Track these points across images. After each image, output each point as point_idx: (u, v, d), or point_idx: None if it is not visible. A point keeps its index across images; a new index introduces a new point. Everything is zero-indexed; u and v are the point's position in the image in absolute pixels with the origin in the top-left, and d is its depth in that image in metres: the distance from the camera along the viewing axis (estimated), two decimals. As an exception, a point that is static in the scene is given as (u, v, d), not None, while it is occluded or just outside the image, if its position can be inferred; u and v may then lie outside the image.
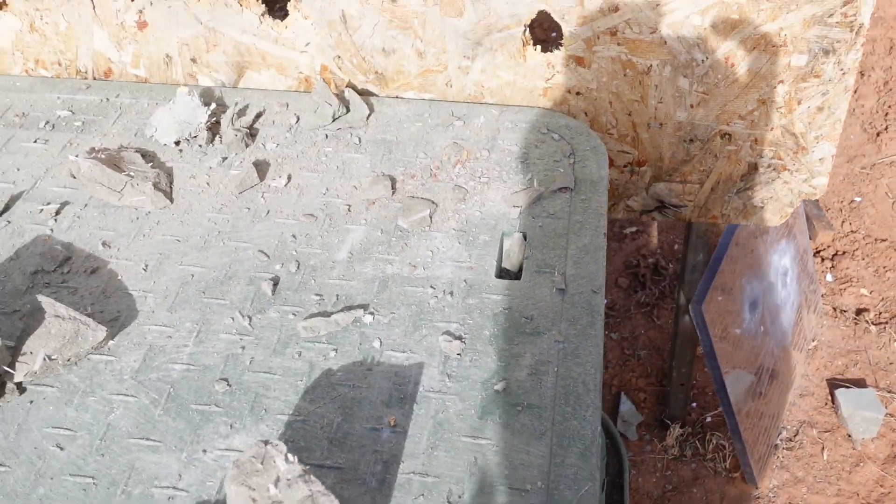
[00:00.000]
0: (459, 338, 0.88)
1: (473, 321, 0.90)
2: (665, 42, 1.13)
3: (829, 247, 2.28)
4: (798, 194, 1.27)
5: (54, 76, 1.33)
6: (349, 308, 0.92)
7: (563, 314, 0.90)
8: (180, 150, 1.15)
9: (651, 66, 1.16)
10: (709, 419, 1.91)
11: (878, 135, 2.58)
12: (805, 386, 1.96)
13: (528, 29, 1.17)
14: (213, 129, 1.16)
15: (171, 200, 1.07)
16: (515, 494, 0.75)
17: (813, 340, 2.04)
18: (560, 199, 1.04)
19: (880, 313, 2.11)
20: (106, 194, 1.06)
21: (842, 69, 1.12)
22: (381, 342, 0.88)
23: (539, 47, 1.19)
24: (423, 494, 0.75)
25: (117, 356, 0.88)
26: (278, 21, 1.23)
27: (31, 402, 0.85)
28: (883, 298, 2.15)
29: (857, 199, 2.40)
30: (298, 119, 1.18)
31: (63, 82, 1.29)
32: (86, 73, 1.32)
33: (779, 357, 1.82)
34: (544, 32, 1.70)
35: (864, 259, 2.24)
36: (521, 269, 0.98)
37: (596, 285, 0.93)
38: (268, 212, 1.05)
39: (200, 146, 1.15)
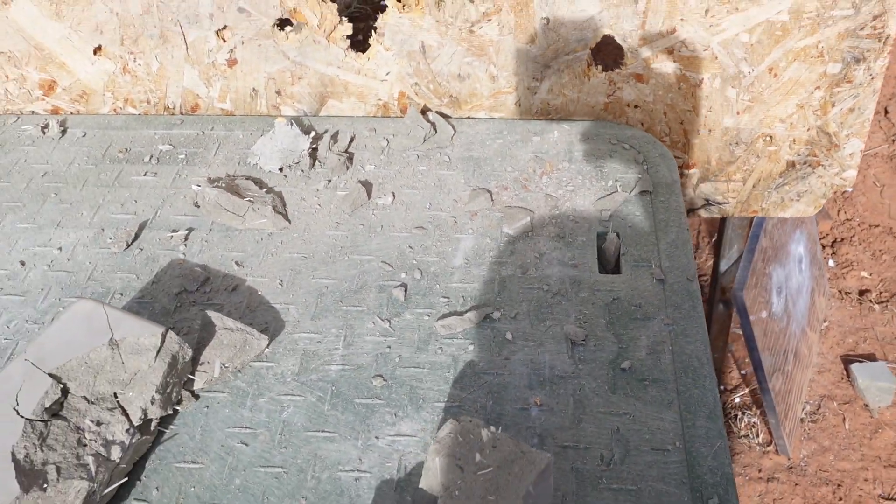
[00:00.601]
0: (581, 326, 1.00)
1: (589, 312, 1.02)
2: (716, 57, 1.28)
3: (828, 235, 2.46)
4: (830, 186, 1.43)
5: (142, 113, 1.43)
6: (477, 307, 1.03)
7: (667, 301, 1.03)
8: (285, 176, 1.25)
9: (703, 79, 1.30)
10: (737, 400, 2.06)
11: (860, 129, 2.77)
12: (822, 363, 2.12)
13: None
14: (313, 154, 1.27)
15: (289, 221, 1.17)
16: (658, 454, 0.87)
17: (824, 321, 2.21)
18: (642, 201, 1.17)
19: (881, 293, 2.29)
20: (229, 219, 1.16)
21: (871, 74, 1.27)
22: (512, 335, 1.00)
23: (600, 66, 1.33)
24: (579, 460, 0.87)
25: (276, 362, 0.99)
26: (360, 53, 1.34)
27: (207, 406, 0.94)
28: (882, 279, 2.33)
29: (849, 189, 2.59)
30: (388, 142, 1.30)
31: (156, 118, 1.38)
32: (174, 108, 1.42)
33: (799, 338, 1.97)
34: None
35: (861, 244, 2.42)
36: (618, 265, 1.10)
37: (690, 274, 1.06)
38: (381, 227, 1.16)
39: (303, 171, 1.25)
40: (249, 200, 1.17)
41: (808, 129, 1.35)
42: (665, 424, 0.90)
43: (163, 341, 0.87)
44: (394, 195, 1.21)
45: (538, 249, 1.11)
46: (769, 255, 1.75)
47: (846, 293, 2.30)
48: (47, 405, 0.81)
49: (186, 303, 1.07)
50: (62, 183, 1.26)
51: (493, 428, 0.76)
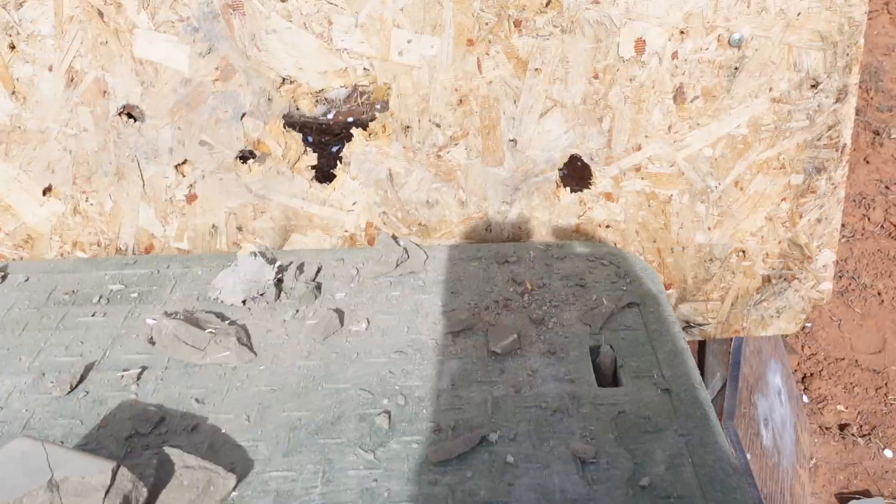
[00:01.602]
0: (588, 443, 0.90)
1: (595, 427, 0.93)
2: (683, 173, 1.28)
3: (796, 370, 2.43)
4: (808, 301, 1.40)
5: (92, 256, 1.34)
6: (471, 429, 0.93)
7: (677, 410, 0.95)
8: (249, 309, 1.16)
9: (672, 195, 1.30)
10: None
11: (807, 267, 2.84)
12: None
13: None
14: (278, 285, 1.19)
15: (255, 354, 1.07)
16: (700, 579, 0.75)
17: (811, 459, 2.12)
18: (630, 314, 1.12)
19: (861, 426, 2.23)
20: (188, 354, 1.06)
21: (833, 184, 1.29)
22: (513, 457, 0.89)
23: (568, 189, 1.32)
24: None
25: (245, 505, 0.85)
26: (326, 184, 1.31)
27: (163, 564, 0.79)
28: (859, 412, 2.28)
29: (808, 324, 2.60)
30: (358, 270, 1.23)
31: (107, 260, 1.30)
32: (125, 250, 1.34)
33: (792, 476, 1.87)
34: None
35: (830, 378, 2.39)
36: (615, 377, 1.03)
37: (696, 381, 0.99)
38: (357, 354, 1.07)
39: (269, 303, 1.17)
40: (211, 332, 1.07)
41: (780, 242, 1.35)
42: (700, 544, 0.79)
43: (112, 479, 0.74)
44: (368, 321, 1.13)
45: (529, 367, 1.03)
46: (751, 383, 1.69)
47: (826, 428, 2.23)
48: (-34, 564, 0.66)
49: (138, 447, 0.93)
50: (-2, 329, 1.14)
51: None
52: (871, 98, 3.79)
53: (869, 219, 3.07)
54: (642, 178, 1.29)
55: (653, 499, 0.84)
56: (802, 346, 2.51)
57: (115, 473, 0.74)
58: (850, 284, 2.76)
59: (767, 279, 1.39)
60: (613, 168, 1.28)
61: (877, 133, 3.54)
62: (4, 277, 1.26)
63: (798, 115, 1.24)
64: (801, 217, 1.32)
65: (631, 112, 1.24)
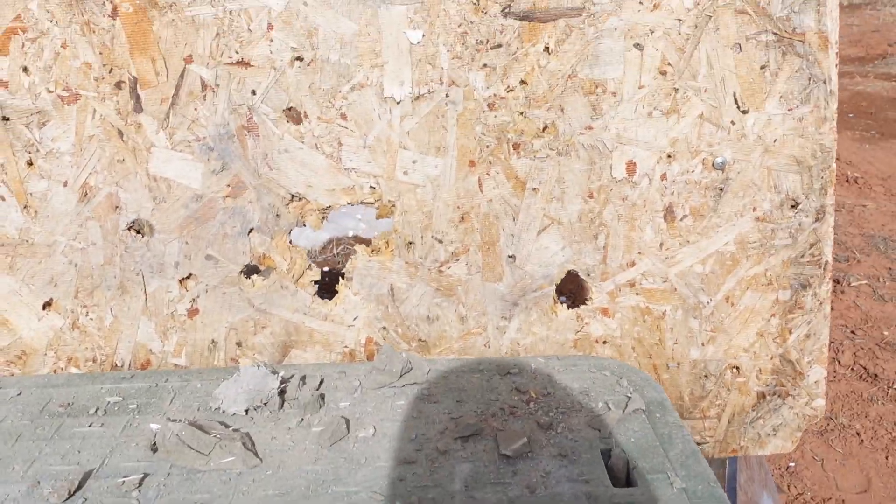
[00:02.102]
0: (611, 540, 0.88)
1: (615, 525, 0.91)
2: (675, 289, 1.34)
3: (786, 511, 2.39)
4: (803, 418, 1.42)
5: (86, 373, 1.32)
6: (490, 529, 0.90)
7: (696, 508, 0.93)
8: (251, 419, 1.14)
9: (665, 311, 1.35)
10: None
11: (785, 409, 2.87)
12: None
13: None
14: (282, 395, 1.18)
15: (261, 459, 1.04)
16: None
17: None
18: (637, 419, 1.12)
19: (857, 567, 2.17)
20: (192, 459, 1.02)
21: (818, 300, 1.36)
22: (535, 556, 0.86)
23: (565, 304, 1.36)
24: None
25: None
26: (327, 300, 1.33)
27: None
28: (853, 553, 2.22)
29: (792, 464, 2.59)
30: (360, 382, 1.23)
31: (102, 375, 1.27)
32: (121, 366, 1.32)
33: None
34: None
35: (821, 518, 2.35)
36: (628, 479, 1.01)
37: (711, 479, 0.98)
38: (365, 459, 1.04)
39: (272, 412, 1.15)
40: (217, 437, 1.04)
41: (772, 358, 1.38)
42: None
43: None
44: (375, 428, 1.11)
45: (542, 469, 1.02)
46: (749, 512, 1.66)
47: (822, 570, 2.16)
48: None
49: (138, 554, 0.88)
50: (-13, 440, 1.10)
51: None
52: (827, 250, 3.99)
53: (840, 362, 3.14)
54: (637, 294, 1.34)
55: (684, 593, 0.81)
56: (788, 486, 2.48)
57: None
58: (828, 424, 2.78)
59: (762, 395, 1.41)
60: (609, 283, 1.33)
61: (837, 282, 3.70)
62: (-5, 391, 1.22)
63: (781, 234, 1.32)
64: (790, 333, 1.37)
65: (624, 229, 1.30)
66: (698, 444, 1.43)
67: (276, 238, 1.29)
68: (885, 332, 3.31)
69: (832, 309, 3.50)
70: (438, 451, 1.06)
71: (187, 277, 1.30)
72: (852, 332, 3.33)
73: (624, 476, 1.03)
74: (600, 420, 1.11)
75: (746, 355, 1.38)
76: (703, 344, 1.37)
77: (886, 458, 2.62)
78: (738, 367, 1.39)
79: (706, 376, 1.39)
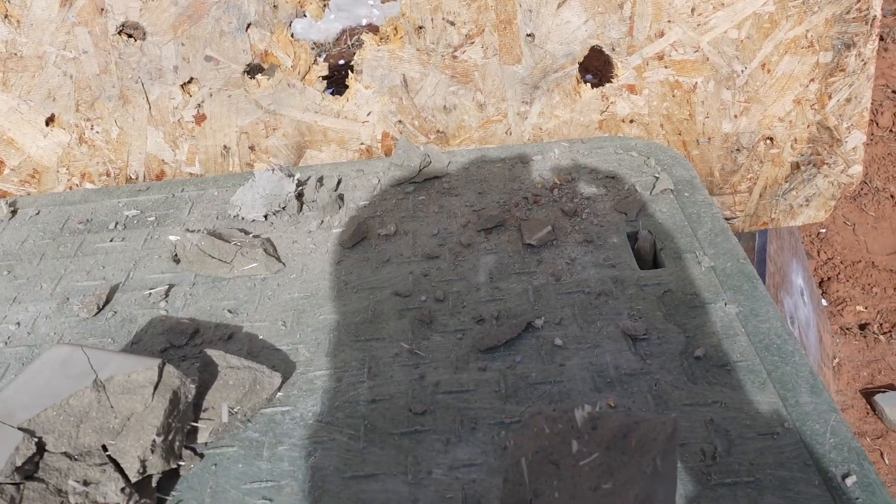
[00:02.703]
0: (637, 321, 0.88)
1: (642, 307, 0.90)
2: (707, 58, 1.24)
3: (814, 275, 2.42)
4: (838, 186, 1.37)
5: (101, 187, 1.30)
6: (516, 316, 0.90)
7: (724, 285, 0.92)
8: (271, 224, 1.13)
9: (696, 83, 1.26)
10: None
11: (817, 176, 2.81)
12: (843, 401, 2.00)
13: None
14: (299, 198, 1.16)
15: (284, 264, 1.04)
16: (768, 439, 0.73)
17: (835, 358, 2.11)
18: (665, 199, 1.09)
19: (881, 324, 2.22)
20: (215, 268, 1.03)
21: (863, 60, 1.25)
22: (561, 340, 0.87)
23: (590, 84, 1.28)
24: (679, 459, 0.72)
25: (292, 405, 0.83)
26: (338, 96, 1.26)
27: (215, 465, 0.77)
28: (879, 311, 2.27)
29: (823, 230, 2.58)
30: (380, 179, 1.20)
31: (118, 189, 1.26)
32: (136, 179, 1.30)
33: (818, 373, 1.86)
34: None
35: (848, 280, 2.38)
36: (656, 261, 1.00)
37: (741, 256, 0.96)
38: (388, 258, 1.04)
39: (291, 216, 1.13)
40: (237, 245, 1.04)
41: (808, 126, 1.31)
42: (763, 407, 0.77)
43: (160, 376, 0.71)
44: (396, 226, 1.09)
45: (567, 256, 1.00)
46: (777, 281, 1.67)
47: (847, 329, 2.23)
48: (18, 464, 0.64)
49: (175, 358, 0.91)
50: (15, 260, 1.11)
51: (588, 406, 0.62)
52: (873, 4, 3.70)
53: (878, 124, 3.02)
54: (666, 67, 1.25)
55: (709, 367, 0.81)
56: (818, 251, 2.49)
57: (161, 370, 0.71)
58: (862, 189, 2.73)
59: (796, 166, 1.35)
60: (636, 58, 1.24)
61: (881, 38, 3.47)
62: (14, 212, 1.22)
63: (825, -12, 1.19)
64: (829, 98, 1.28)
65: (651, -5, 1.19)
66: (728, 219, 1.40)
67: (276, 32, 1.20)
68: (929, 90, 3.15)
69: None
70: (462, 244, 1.04)
71: (189, 82, 1.23)
72: (893, 91, 3.17)
73: (651, 258, 1.01)
74: (627, 203, 1.08)
75: (782, 125, 1.30)
76: (735, 116, 1.29)
77: (919, 218, 2.60)
78: (772, 138, 1.32)
79: (738, 150, 1.33)
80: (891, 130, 2.98)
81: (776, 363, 0.81)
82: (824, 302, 2.32)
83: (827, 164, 1.35)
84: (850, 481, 0.68)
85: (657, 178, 1.12)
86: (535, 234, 1.03)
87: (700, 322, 0.87)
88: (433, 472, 0.74)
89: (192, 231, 1.07)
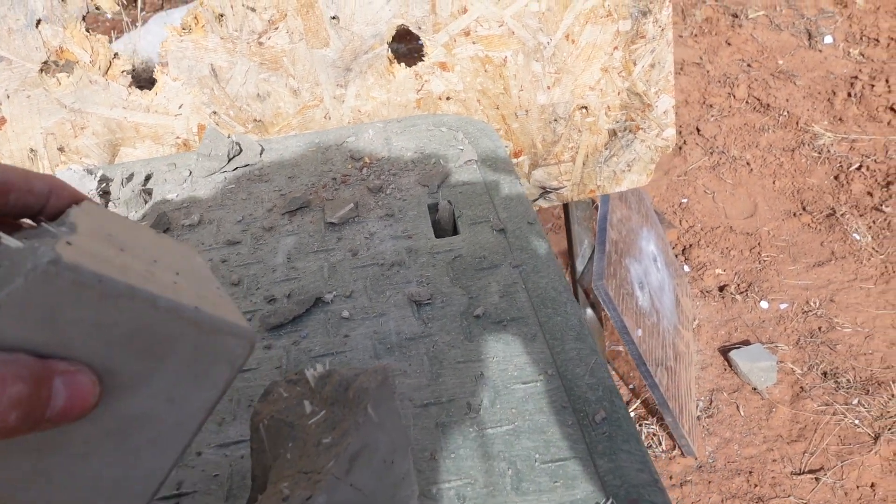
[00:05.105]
0: (424, 287, 0.89)
1: (431, 273, 0.92)
2: (513, 32, 1.27)
3: (677, 244, 2.51)
4: (655, 149, 1.43)
5: None
6: (306, 293, 0.90)
7: (511, 246, 0.94)
8: (74, 223, 1.09)
9: (506, 57, 1.29)
10: (632, 414, 1.98)
11: (679, 149, 2.92)
12: (702, 360, 2.09)
13: (389, 47, 1.27)
14: (104, 196, 1.13)
15: (81, 262, 1.01)
16: (531, 386, 0.76)
17: (694, 320, 2.20)
18: (468, 170, 1.11)
19: (738, 285, 2.33)
20: None
21: (660, 26, 1.31)
22: (349, 312, 0.87)
23: (403, 64, 1.29)
24: (444, 414, 0.74)
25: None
26: (146, 90, 1.24)
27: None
28: (736, 273, 2.38)
29: (684, 200, 2.68)
30: (191, 172, 1.18)
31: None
32: (-61, 189, 1.24)
33: (674, 335, 1.94)
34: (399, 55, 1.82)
35: (708, 246, 2.48)
36: (454, 228, 1.02)
37: (530, 218, 0.99)
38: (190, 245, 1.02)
39: (95, 214, 1.10)
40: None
41: (619, 94, 1.36)
42: (532, 357, 0.79)
43: None
44: (201, 215, 1.08)
45: (368, 231, 1.01)
46: (621, 248, 1.73)
47: (707, 292, 2.32)
48: None
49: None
50: None
51: (319, 366, 0.62)
52: (728, -17, 3.88)
53: (734, 96, 3.17)
54: (474, 43, 1.27)
55: (487, 325, 0.83)
56: (680, 221, 2.59)
57: None
58: (720, 159, 2.85)
59: (613, 133, 1.40)
60: (443, 35, 1.26)
61: (735, 16, 3.64)
62: None
63: (615, -42, 1.24)
64: (634, 64, 1.33)
65: (449, -28, 1.21)
66: (556, 189, 1.44)
67: (69, 27, 1.17)
68: (780, 61, 3.32)
69: (728, 44, 3.47)
70: (264, 228, 1.04)
71: (-18, 84, 1.18)
72: (748, 64, 3.33)
73: (451, 227, 1.03)
74: (430, 176, 1.09)
75: (593, 93, 1.35)
76: (548, 87, 1.33)
77: (773, 182, 2.73)
78: (586, 107, 1.36)
79: (556, 120, 1.37)
80: (746, 102, 3.13)
81: (549, 315, 0.84)
82: (686, 268, 2.41)
83: (641, 129, 1.40)
84: (598, 417, 0.71)
85: (461, 151, 1.14)
86: (337, 213, 1.03)
87: (484, 283, 0.89)
88: (203, 452, 0.73)
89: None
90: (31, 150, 1.24)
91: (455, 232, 1.01)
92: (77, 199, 0.49)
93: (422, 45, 1.29)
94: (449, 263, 0.93)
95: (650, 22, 1.30)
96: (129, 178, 1.17)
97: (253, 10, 1.19)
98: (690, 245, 2.49)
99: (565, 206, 1.66)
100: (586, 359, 0.78)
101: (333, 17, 1.21)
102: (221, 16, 1.19)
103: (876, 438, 1.82)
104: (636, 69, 1.34)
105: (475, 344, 0.81)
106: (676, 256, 2.46)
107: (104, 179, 1.14)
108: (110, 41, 1.18)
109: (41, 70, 1.18)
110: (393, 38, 1.25)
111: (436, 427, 0.73)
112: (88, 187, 1.12)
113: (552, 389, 0.75)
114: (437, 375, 0.78)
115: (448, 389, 0.77)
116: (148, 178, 1.17)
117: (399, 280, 0.92)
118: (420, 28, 1.25)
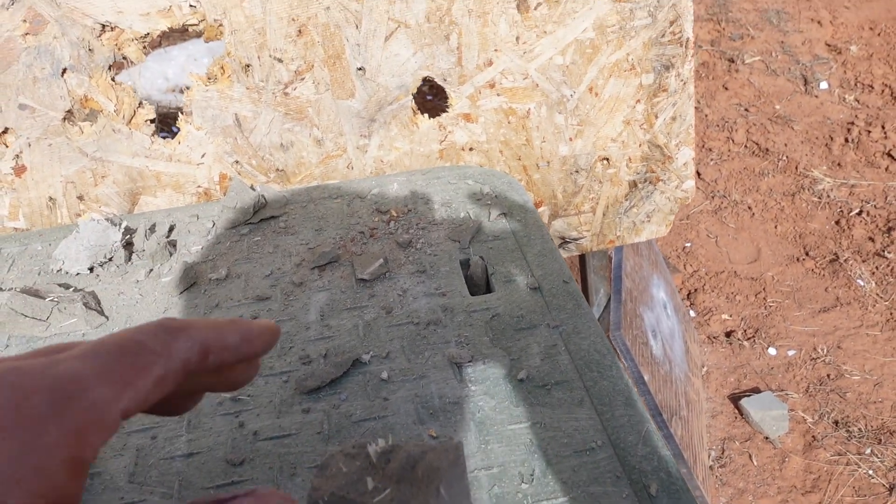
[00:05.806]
0: (464, 348, 0.88)
1: (469, 333, 0.90)
2: (537, 85, 1.27)
3: (682, 288, 2.51)
4: (675, 200, 1.43)
5: (-84, 250, 1.21)
6: (343, 353, 0.89)
7: (549, 305, 0.93)
8: (97, 276, 1.07)
9: (529, 109, 1.29)
10: (643, 463, 1.95)
11: (682, 193, 2.94)
12: (712, 407, 2.07)
13: (413, 98, 1.27)
14: (128, 247, 1.11)
15: (107, 317, 0.99)
16: (583, 455, 0.74)
17: (703, 367, 2.19)
18: (498, 224, 1.10)
19: (745, 330, 2.33)
20: (30, 327, 0.96)
21: (682, 80, 1.31)
22: (388, 374, 0.86)
23: (427, 115, 1.29)
24: (496, 484, 0.72)
25: (102, 467, 0.78)
26: (169, 139, 1.23)
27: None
28: (742, 318, 2.37)
29: (688, 244, 2.69)
30: (214, 223, 1.16)
31: (-68, 250, 1.17)
32: (-46, 238, 1.22)
33: (685, 383, 1.93)
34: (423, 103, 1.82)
35: (713, 291, 2.48)
36: (488, 286, 1.00)
37: (565, 276, 0.98)
38: (217, 303, 1.00)
39: (118, 267, 1.08)
40: (54, 301, 0.98)
41: (640, 145, 1.36)
42: (581, 423, 0.77)
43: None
44: (228, 269, 1.06)
45: (400, 287, 0.99)
46: (636, 296, 1.72)
47: (714, 337, 2.31)
48: None
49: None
50: None
51: (381, 440, 0.60)
52: (724, 28, 3.95)
53: (733, 140, 3.20)
54: (498, 95, 1.27)
55: (531, 389, 0.82)
56: (685, 265, 2.59)
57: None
58: (722, 203, 2.87)
59: (633, 184, 1.40)
60: (468, 87, 1.26)
61: (731, 61, 3.69)
62: None
63: (640, 13, 1.25)
64: (656, 117, 1.34)
65: (477, 26, 1.21)
66: (576, 239, 1.44)
67: (94, 76, 1.16)
68: (777, 106, 3.36)
69: (726, 88, 3.52)
70: (294, 283, 1.02)
71: (4, 132, 1.17)
72: (746, 109, 3.37)
73: (484, 283, 1.02)
74: (460, 231, 1.08)
75: (615, 145, 1.35)
76: (570, 139, 1.33)
77: (775, 227, 2.75)
78: (607, 159, 1.36)
79: (577, 171, 1.37)
80: (745, 146, 3.16)
81: (595, 378, 0.82)
82: (692, 313, 2.41)
83: (662, 180, 1.40)
84: (652, 490, 0.69)
85: (490, 205, 1.13)
86: (368, 269, 1.02)
87: (524, 344, 0.88)
88: (247, 524, 0.71)
89: (3, 290, 1.00)
90: (51, 199, 1.22)
91: (489, 289, 1.00)
92: (268, 343, 0.47)
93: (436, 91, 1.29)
94: (487, 323, 0.92)
95: (672, 76, 1.31)
96: (152, 228, 1.15)
97: (280, 60, 1.18)
98: (695, 290, 2.49)
99: (581, 256, 1.66)
100: (637, 426, 0.76)
101: (360, 69, 1.21)
102: (248, 66, 1.18)
103: (891, 490, 1.81)
104: (658, 122, 1.34)
105: (521, 409, 0.80)
106: (682, 301, 2.46)
107: (128, 231, 1.12)
108: (112, 78, 1.17)
109: (64, 119, 1.17)
110: (419, 88, 1.25)
111: (490, 498, 0.71)
112: (112, 239, 1.10)
113: (604, 459, 0.73)
114: (486, 442, 0.76)
115: (497, 457, 0.75)
116: (171, 228, 1.16)
117: (437, 340, 0.90)
118: (445, 80, 1.25)
